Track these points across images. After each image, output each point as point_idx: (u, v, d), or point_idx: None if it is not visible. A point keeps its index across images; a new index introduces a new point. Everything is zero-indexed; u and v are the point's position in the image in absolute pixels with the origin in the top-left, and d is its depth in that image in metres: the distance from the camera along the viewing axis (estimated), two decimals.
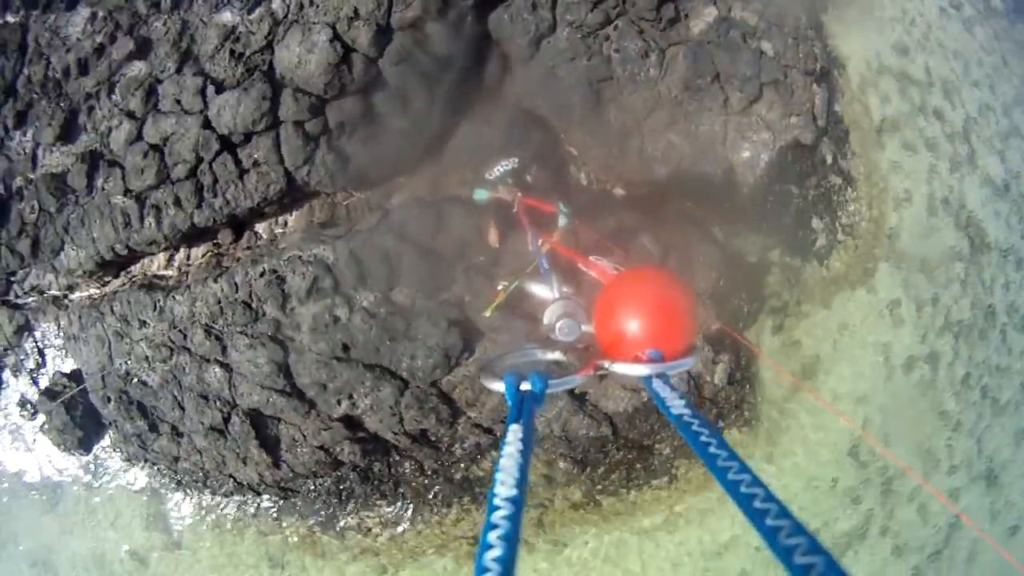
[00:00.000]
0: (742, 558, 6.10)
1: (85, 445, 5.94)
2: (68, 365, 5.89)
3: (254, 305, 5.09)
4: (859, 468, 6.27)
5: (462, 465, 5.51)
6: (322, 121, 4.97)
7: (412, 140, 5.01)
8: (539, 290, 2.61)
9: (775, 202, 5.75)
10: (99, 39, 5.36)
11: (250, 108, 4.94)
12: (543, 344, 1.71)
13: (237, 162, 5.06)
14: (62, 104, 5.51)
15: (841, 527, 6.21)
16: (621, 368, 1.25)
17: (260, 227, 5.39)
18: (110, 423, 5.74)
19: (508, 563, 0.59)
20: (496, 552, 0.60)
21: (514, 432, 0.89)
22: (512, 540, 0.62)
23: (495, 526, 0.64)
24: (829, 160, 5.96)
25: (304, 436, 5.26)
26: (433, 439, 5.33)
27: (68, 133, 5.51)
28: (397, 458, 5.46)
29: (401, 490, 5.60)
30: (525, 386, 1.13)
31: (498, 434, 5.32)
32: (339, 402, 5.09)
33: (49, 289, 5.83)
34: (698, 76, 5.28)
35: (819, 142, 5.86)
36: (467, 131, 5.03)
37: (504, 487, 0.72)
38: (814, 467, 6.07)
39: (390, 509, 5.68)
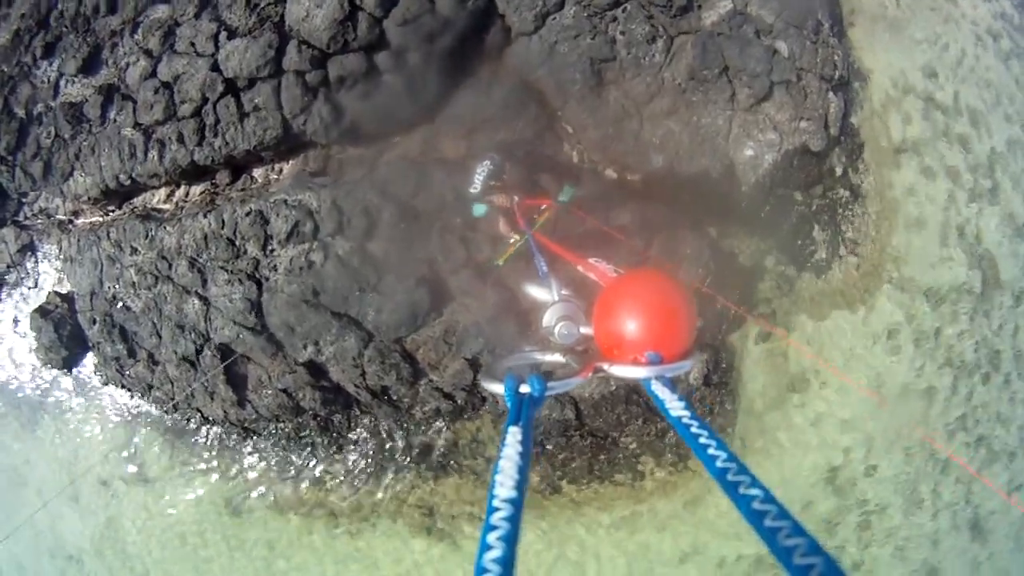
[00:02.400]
0: (703, 571, 5.74)
1: (68, 364, 6.08)
2: (64, 287, 6.04)
3: (237, 242, 5.12)
4: (837, 496, 5.87)
5: (421, 429, 5.38)
6: (323, 74, 5.01)
7: (408, 101, 5.00)
8: (538, 292, 2.51)
9: (775, 206, 5.50)
10: None
11: (256, 55, 5.02)
12: (542, 346, 1.71)
13: (239, 105, 5.15)
14: (88, 39, 5.73)
15: None
16: (620, 370, 1.23)
17: (256, 172, 5.46)
18: (93, 345, 5.86)
19: (507, 564, 0.59)
20: (495, 553, 0.59)
21: (513, 434, 0.87)
22: (511, 541, 0.62)
23: (494, 527, 0.63)
24: (839, 172, 5.67)
25: (270, 378, 5.25)
26: (394, 398, 5.25)
27: (90, 66, 5.72)
28: (357, 413, 5.40)
29: (359, 447, 5.50)
30: (524, 388, 1.13)
31: (459, 401, 5.18)
32: (305, 346, 5.05)
33: (56, 213, 6.02)
34: (705, 67, 5.11)
35: (830, 151, 5.59)
36: (463, 97, 4.99)
37: (503, 488, 0.71)
38: (787, 488, 5.68)
39: (346, 466, 5.58)
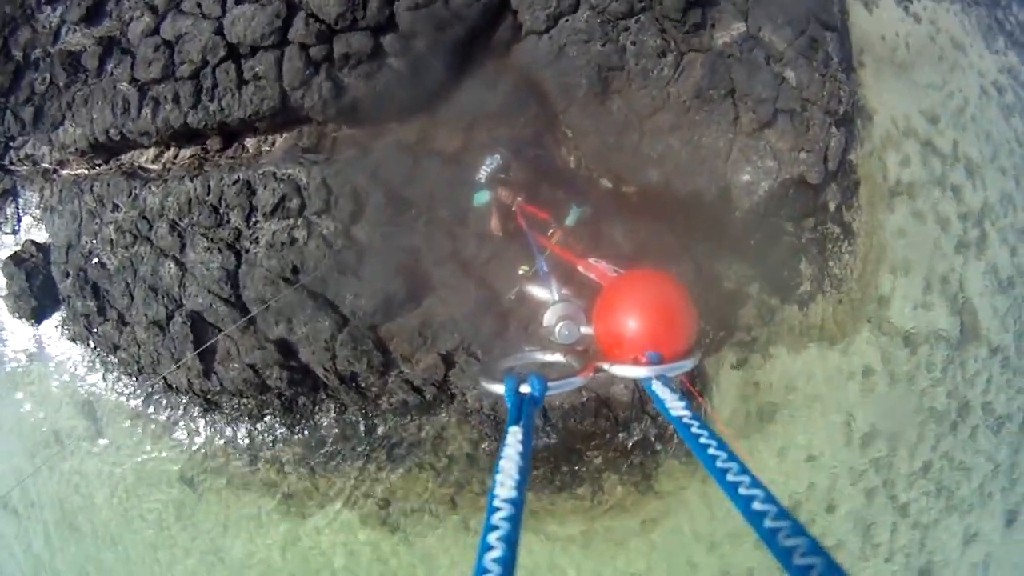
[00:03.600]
0: None
1: (37, 316, 5.83)
2: (41, 236, 5.78)
3: (221, 210, 4.92)
4: None
5: (386, 420, 5.18)
6: (327, 49, 4.84)
7: (411, 87, 4.83)
8: (538, 292, 2.44)
9: (766, 234, 5.37)
10: None
11: (262, 23, 4.84)
12: (542, 346, 1.68)
13: (239, 72, 4.96)
14: None
15: None
16: (620, 370, 1.21)
17: (249, 142, 5.26)
18: (64, 299, 5.62)
19: (508, 564, 0.58)
20: (496, 553, 0.58)
21: (514, 434, 0.86)
22: (512, 542, 0.61)
23: (495, 527, 0.62)
24: (832, 207, 5.56)
25: (238, 351, 5.04)
26: (362, 386, 5.05)
27: (94, 16, 5.51)
28: (323, 397, 5.20)
29: (320, 432, 5.30)
30: (524, 388, 1.11)
31: (427, 396, 5.00)
32: (278, 323, 4.86)
33: (42, 161, 5.79)
34: (712, 87, 4.98)
35: (826, 186, 5.49)
36: (466, 89, 4.84)
37: (504, 488, 0.70)
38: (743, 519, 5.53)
39: (306, 449, 5.37)
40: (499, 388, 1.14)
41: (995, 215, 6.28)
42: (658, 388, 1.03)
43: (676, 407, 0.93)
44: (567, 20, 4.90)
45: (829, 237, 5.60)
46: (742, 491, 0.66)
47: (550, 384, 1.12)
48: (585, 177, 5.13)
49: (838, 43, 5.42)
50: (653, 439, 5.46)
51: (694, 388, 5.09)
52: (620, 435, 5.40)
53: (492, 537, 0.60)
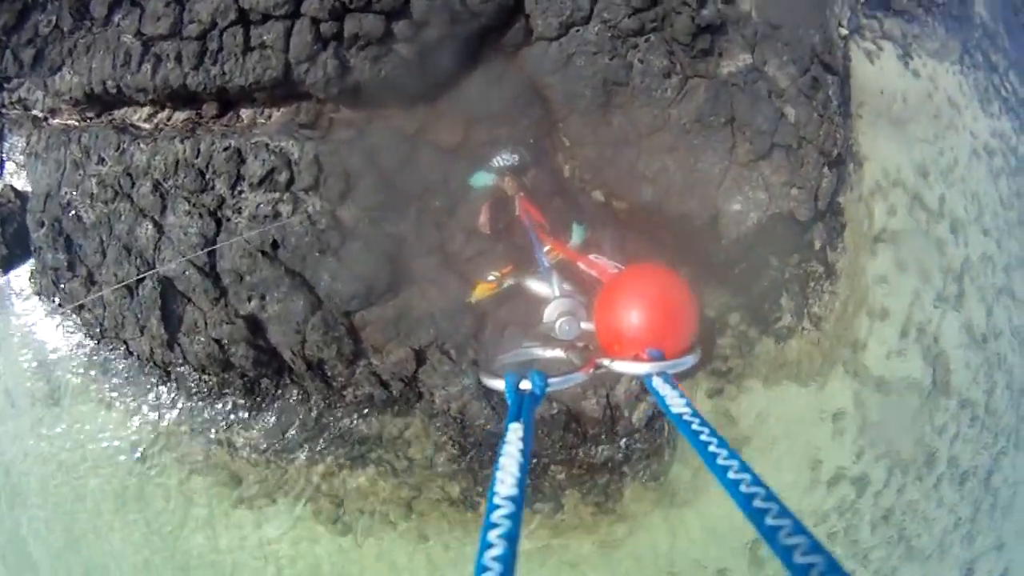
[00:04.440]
0: None
1: (5, 265, 5.47)
2: (21, 183, 5.48)
3: (207, 176, 4.69)
4: (753, 567, 5.49)
5: (349, 413, 4.90)
6: (338, 27, 4.68)
7: (416, 76, 4.69)
8: (539, 288, 2.35)
9: (750, 266, 5.26)
10: None
11: None
12: (543, 342, 1.63)
13: (246, 38, 4.78)
14: None
15: None
16: (621, 366, 1.18)
17: (245, 112, 5.06)
18: (35, 249, 5.29)
19: (508, 562, 0.56)
20: (496, 551, 0.56)
21: (514, 431, 0.83)
22: (512, 539, 0.59)
23: (495, 525, 0.60)
24: (817, 246, 5.48)
25: (206, 323, 4.74)
26: (328, 374, 4.78)
27: None
28: (287, 382, 4.91)
29: (280, 418, 5.00)
30: (525, 384, 1.07)
31: (394, 391, 4.74)
32: (250, 298, 4.59)
33: (34, 106, 5.53)
34: (713, 113, 4.91)
35: (813, 224, 5.41)
36: (471, 85, 4.68)
37: (504, 486, 0.68)
38: (706, 549, 5.32)
39: (263, 434, 5.05)
40: (499, 384, 1.10)
41: (975, 273, 6.26)
42: (659, 385, 1.00)
43: (677, 404, 0.89)
44: (578, 30, 4.82)
45: (812, 275, 5.51)
46: (743, 488, 0.64)
47: (551, 380, 1.08)
48: (579, 190, 5.00)
49: (838, 87, 5.41)
50: (620, 460, 5.24)
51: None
52: (587, 452, 5.17)
53: (492, 535, 0.58)
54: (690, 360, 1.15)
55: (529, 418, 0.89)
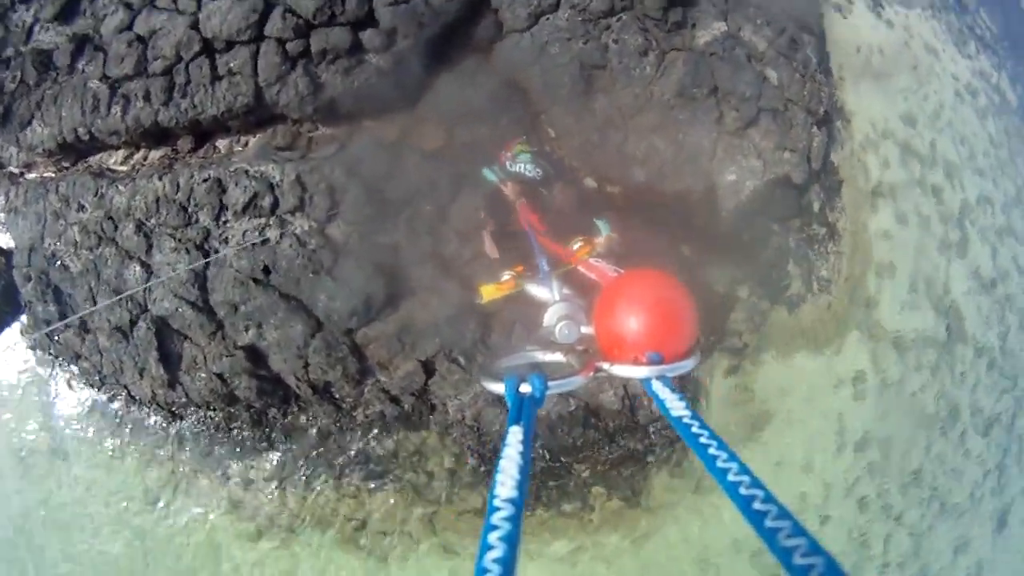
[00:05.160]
0: None
1: None
2: (4, 241, 5.21)
3: (189, 209, 4.43)
4: None
5: (361, 434, 4.62)
6: (304, 44, 4.44)
7: (390, 83, 4.44)
8: (539, 292, 2.30)
9: (753, 235, 4.99)
10: None
11: (238, 16, 4.43)
12: (543, 346, 1.60)
13: (213, 68, 4.53)
14: None
15: None
16: (620, 370, 1.14)
17: (221, 142, 4.80)
18: (26, 304, 5.01)
19: (508, 564, 0.54)
20: (496, 553, 0.55)
21: (514, 434, 0.80)
22: (512, 541, 0.57)
23: (495, 527, 0.59)
24: (816, 208, 5.21)
25: (205, 359, 4.47)
26: (336, 396, 4.50)
27: (68, 14, 5.06)
28: (295, 409, 4.62)
29: (292, 447, 4.70)
30: (525, 388, 1.03)
31: (406, 407, 4.45)
32: (247, 328, 4.31)
33: (8, 163, 5.26)
34: (695, 85, 4.65)
35: (809, 186, 5.14)
36: (447, 87, 4.42)
37: (504, 488, 0.66)
38: (738, 531, 5.02)
39: (276, 466, 4.75)
40: (499, 387, 1.07)
41: (975, 216, 5.99)
42: (658, 388, 0.97)
43: (677, 407, 0.87)
44: (548, 18, 4.57)
45: (815, 238, 5.23)
46: (743, 491, 0.62)
47: (550, 383, 1.04)
48: (574, 180, 4.72)
49: (816, 45, 5.15)
50: (643, 451, 4.94)
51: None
52: (609, 447, 4.88)
53: (492, 537, 0.56)
54: (689, 364, 1.11)
55: (529, 421, 0.86)
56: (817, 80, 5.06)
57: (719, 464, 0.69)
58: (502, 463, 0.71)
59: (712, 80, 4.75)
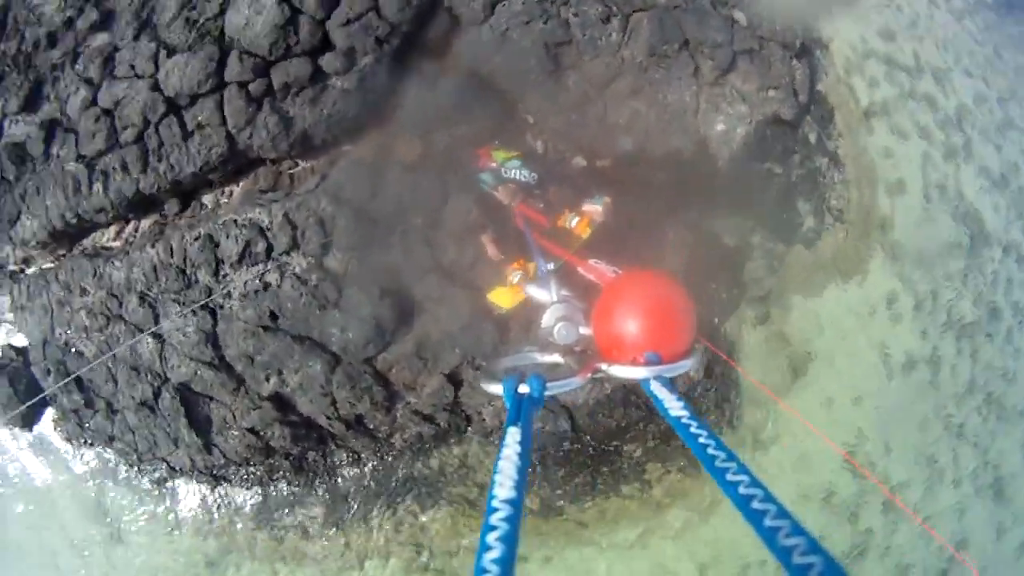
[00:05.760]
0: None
1: (28, 422, 5.03)
2: (18, 340, 5.04)
3: (188, 271, 4.21)
4: (857, 480, 4.85)
5: (404, 459, 4.36)
6: (266, 82, 4.21)
7: (358, 103, 4.19)
8: (537, 293, 2.24)
9: (755, 180, 4.68)
10: (68, 12, 4.75)
11: (196, 69, 4.22)
12: (541, 347, 1.56)
13: (182, 124, 4.31)
14: (30, 75, 4.89)
15: (836, 547, 4.76)
16: (619, 371, 1.09)
17: (206, 198, 4.59)
18: (50, 398, 4.82)
19: (507, 564, 0.52)
20: (495, 553, 0.53)
21: (512, 435, 0.78)
22: (511, 542, 0.55)
23: (494, 528, 0.57)
24: (813, 140, 4.89)
25: (234, 416, 4.24)
26: (370, 427, 4.26)
27: (32, 102, 4.87)
28: (333, 448, 4.38)
29: (339, 486, 4.47)
30: (523, 389, 1.00)
31: (441, 423, 4.20)
32: (267, 378, 4.09)
33: (6, 263, 5.08)
34: (664, 42, 4.35)
35: (801, 120, 4.82)
36: (415, 95, 4.17)
37: (503, 489, 0.64)
38: (806, 477, 4.69)
39: (328, 508, 4.52)
40: (498, 388, 1.05)
41: (973, 117, 5.62)
42: (656, 389, 0.94)
43: (675, 407, 0.85)
44: (504, 4, 4.29)
45: (818, 170, 4.90)
46: (742, 490, 0.61)
47: (549, 384, 1.03)
48: (558, 160, 4.45)
49: None
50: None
51: (726, 355, 4.33)
52: (655, 422, 4.58)
53: (491, 537, 0.55)
54: (687, 364, 1.09)
55: (528, 422, 0.84)
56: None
57: (718, 464, 0.67)
58: (500, 464, 0.69)
59: (681, 33, 4.44)
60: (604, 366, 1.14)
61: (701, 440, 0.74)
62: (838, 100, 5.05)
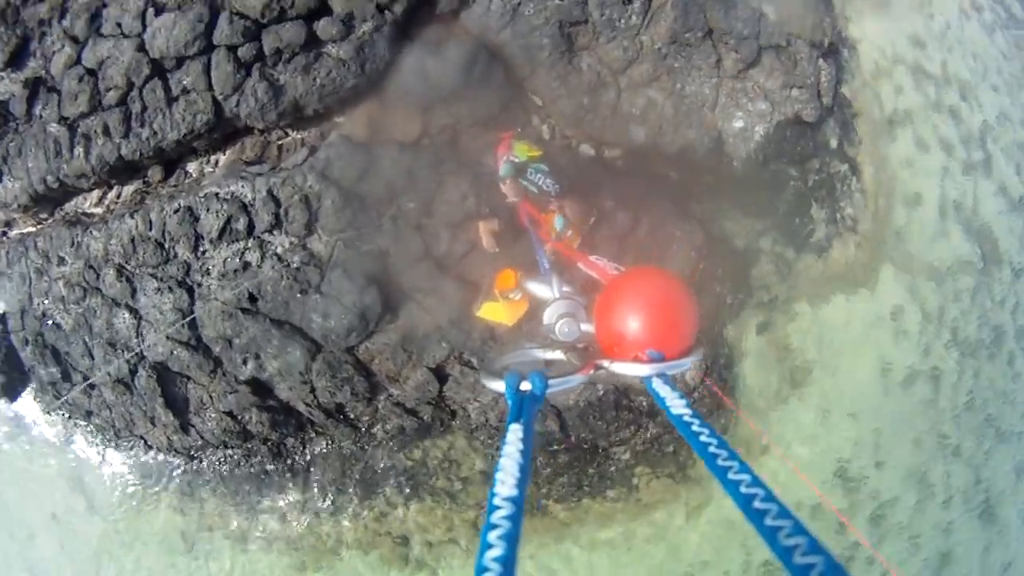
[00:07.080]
0: None
1: (10, 393, 4.51)
2: None
3: (166, 245, 3.65)
4: (848, 492, 4.37)
5: (384, 450, 3.86)
6: (257, 47, 3.58)
7: (353, 74, 3.57)
8: (539, 289, 2.04)
9: (770, 182, 4.09)
10: None
11: (184, 30, 3.60)
12: (543, 344, 1.45)
13: (167, 89, 3.71)
14: (17, 31, 4.24)
15: None
16: (621, 368, 1.03)
17: (191, 166, 4.00)
18: (29, 368, 4.31)
19: (508, 563, 0.48)
20: (496, 552, 0.48)
21: (514, 432, 0.71)
22: (512, 540, 0.50)
23: (495, 526, 0.52)
24: (834, 144, 4.28)
25: (211, 398, 3.73)
26: (351, 417, 3.75)
27: (18, 59, 4.23)
28: (312, 435, 3.88)
29: (317, 474, 3.98)
30: (525, 386, 0.95)
31: (424, 417, 3.68)
32: (245, 361, 3.57)
33: None
34: (687, 29, 3.72)
35: (823, 122, 4.21)
36: (415, 68, 3.56)
37: (504, 487, 0.59)
38: (797, 486, 4.20)
39: (306, 495, 4.04)
40: (499, 385, 0.98)
41: (996, 134, 4.99)
42: (659, 386, 0.87)
43: (677, 405, 0.78)
44: None
45: (836, 176, 4.30)
46: (743, 489, 0.56)
47: (551, 382, 0.96)
48: (564, 147, 3.85)
49: None
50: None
51: (724, 395, 3.85)
52: (645, 425, 4.07)
53: (492, 535, 0.51)
54: (690, 362, 1.00)
55: (529, 419, 0.77)
56: (818, 9, 4.09)
57: (720, 463, 0.61)
58: (502, 461, 0.62)
59: (705, 22, 3.81)
60: (606, 363, 1.06)
61: (703, 438, 0.67)
62: (862, 105, 4.42)
